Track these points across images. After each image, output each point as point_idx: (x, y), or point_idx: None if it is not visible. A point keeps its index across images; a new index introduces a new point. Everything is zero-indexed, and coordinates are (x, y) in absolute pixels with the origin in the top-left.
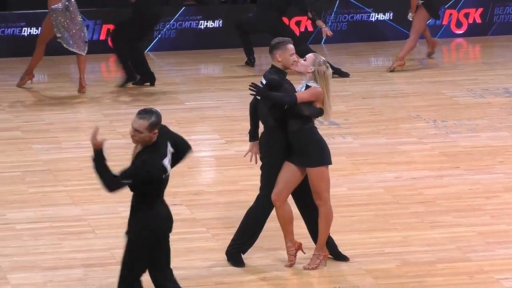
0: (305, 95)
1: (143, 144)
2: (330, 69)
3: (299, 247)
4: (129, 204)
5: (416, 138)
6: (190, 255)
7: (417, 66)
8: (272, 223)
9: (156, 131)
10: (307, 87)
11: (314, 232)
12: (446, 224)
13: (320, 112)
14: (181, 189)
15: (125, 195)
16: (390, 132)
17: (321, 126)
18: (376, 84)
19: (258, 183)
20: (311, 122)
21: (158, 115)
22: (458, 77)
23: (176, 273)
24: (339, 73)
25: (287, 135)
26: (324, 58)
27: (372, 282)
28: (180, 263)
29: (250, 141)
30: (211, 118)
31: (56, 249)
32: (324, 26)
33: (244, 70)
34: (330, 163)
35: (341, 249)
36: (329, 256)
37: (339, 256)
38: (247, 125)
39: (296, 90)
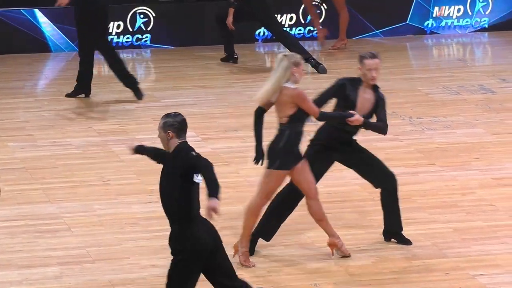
0: None
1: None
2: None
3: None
4: (107, 202)
5: (392, 135)
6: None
7: (392, 63)
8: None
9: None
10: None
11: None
12: (422, 221)
13: None
14: (157, 187)
15: (100, 193)
16: None
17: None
18: None
19: (235, 180)
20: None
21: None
22: (434, 74)
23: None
24: (316, 68)
25: None
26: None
27: (348, 278)
28: (159, 261)
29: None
30: (187, 115)
31: (32, 247)
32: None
33: (221, 67)
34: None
35: (318, 245)
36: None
37: None
38: (223, 123)
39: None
